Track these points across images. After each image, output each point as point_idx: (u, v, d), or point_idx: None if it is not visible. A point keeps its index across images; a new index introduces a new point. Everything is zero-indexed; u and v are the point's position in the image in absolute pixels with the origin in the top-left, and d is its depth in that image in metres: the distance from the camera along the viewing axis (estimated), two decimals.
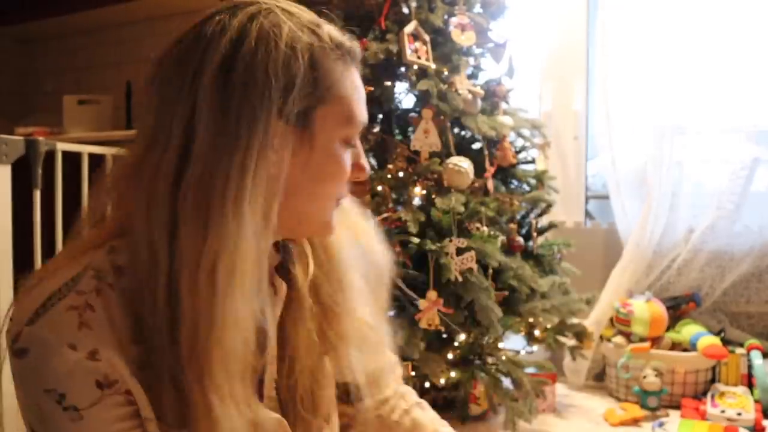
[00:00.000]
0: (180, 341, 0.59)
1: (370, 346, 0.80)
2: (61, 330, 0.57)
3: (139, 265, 0.60)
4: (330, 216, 0.71)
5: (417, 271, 1.76)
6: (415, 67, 1.83)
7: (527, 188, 2.11)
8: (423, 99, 1.87)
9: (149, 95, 0.64)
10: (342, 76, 0.67)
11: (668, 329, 2.21)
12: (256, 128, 0.60)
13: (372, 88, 1.83)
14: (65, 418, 0.57)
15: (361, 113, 0.70)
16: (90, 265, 0.61)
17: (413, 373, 1.78)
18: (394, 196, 1.81)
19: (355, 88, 0.69)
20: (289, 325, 0.74)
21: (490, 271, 1.82)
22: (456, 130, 2.03)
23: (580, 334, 2.07)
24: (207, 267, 0.58)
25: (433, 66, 1.83)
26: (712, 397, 1.99)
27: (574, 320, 2.06)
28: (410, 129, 1.87)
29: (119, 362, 0.58)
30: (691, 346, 2.12)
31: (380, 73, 1.85)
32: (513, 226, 1.94)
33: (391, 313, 1.85)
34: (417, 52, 1.81)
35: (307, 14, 0.69)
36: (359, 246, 0.82)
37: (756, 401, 1.94)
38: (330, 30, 0.69)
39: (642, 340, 2.15)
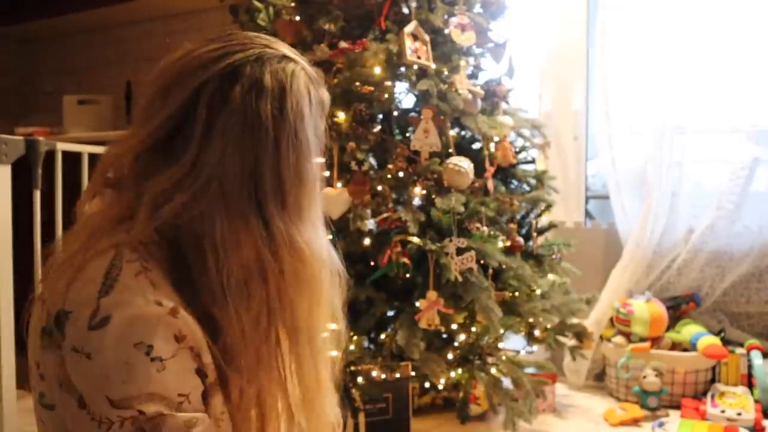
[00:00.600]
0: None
1: None
2: (143, 291, 0.64)
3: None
4: None
5: (417, 271, 1.76)
6: (415, 67, 1.83)
7: (527, 188, 2.11)
8: (423, 99, 1.87)
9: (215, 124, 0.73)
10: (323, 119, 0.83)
11: (668, 329, 2.21)
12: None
13: (372, 88, 1.83)
14: (153, 368, 0.63)
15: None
16: (119, 244, 0.68)
17: (413, 373, 1.78)
18: (394, 196, 1.82)
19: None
20: None
21: (490, 271, 1.82)
22: (456, 130, 2.03)
23: (580, 334, 2.07)
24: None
25: (433, 66, 1.83)
26: (712, 397, 1.99)
27: (574, 320, 2.06)
28: (410, 129, 1.87)
29: (189, 318, 0.66)
30: (691, 346, 2.12)
31: (380, 73, 1.85)
32: (513, 226, 1.94)
33: (391, 313, 1.86)
34: (417, 52, 1.81)
35: (309, 68, 0.80)
36: None
37: (756, 401, 1.94)
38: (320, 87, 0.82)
39: (642, 340, 2.15)
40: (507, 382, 1.88)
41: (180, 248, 0.70)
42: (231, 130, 0.71)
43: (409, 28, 1.81)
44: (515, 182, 2.10)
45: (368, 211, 1.75)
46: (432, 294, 1.70)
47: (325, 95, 0.83)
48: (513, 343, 2.12)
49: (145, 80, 0.77)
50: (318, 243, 0.77)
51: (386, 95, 1.85)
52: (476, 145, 2.06)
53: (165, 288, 0.66)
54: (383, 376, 1.73)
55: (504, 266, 1.82)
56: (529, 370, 2.03)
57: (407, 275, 1.72)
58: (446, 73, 1.89)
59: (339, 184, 1.78)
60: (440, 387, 1.91)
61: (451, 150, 1.87)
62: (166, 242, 0.70)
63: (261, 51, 0.75)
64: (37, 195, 1.60)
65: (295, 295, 0.73)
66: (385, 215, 1.76)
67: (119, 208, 0.72)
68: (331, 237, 0.83)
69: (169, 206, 0.69)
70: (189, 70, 0.73)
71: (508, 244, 1.89)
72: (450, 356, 1.85)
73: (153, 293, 0.65)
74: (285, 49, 0.78)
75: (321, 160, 0.80)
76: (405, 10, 1.91)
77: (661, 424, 1.90)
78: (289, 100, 0.74)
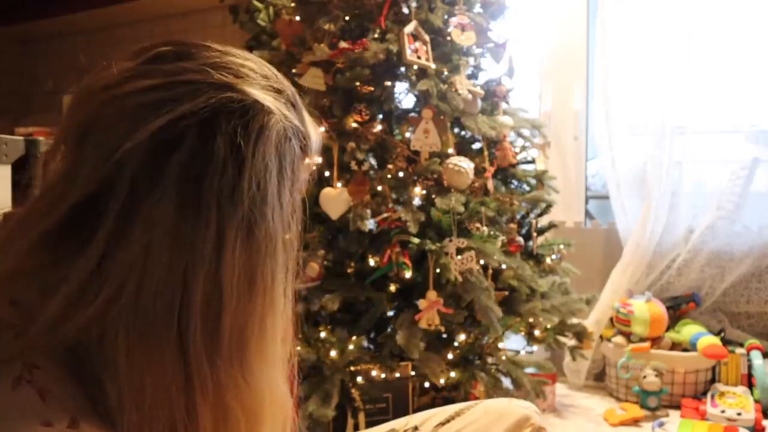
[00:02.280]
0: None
1: None
2: (24, 412, 0.45)
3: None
4: None
5: (417, 271, 1.76)
6: (415, 67, 1.83)
7: (527, 188, 2.11)
8: (423, 99, 1.87)
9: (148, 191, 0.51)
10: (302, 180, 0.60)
11: (668, 329, 2.21)
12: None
13: (372, 88, 1.83)
14: None
15: None
16: None
17: (413, 373, 1.78)
18: (394, 196, 1.81)
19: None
20: None
21: (490, 271, 1.82)
22: (456, 130, 2.03)
23: (580, 334, 2.07)
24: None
25: (433, 66, 1.83)
26: (712, 397, 1.99)
27: (574, 320, 2.06)
28: (410, 129, 1.87)
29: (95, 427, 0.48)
30: (691, 346, 2.11)
31: (380, 73, 1.85)
32: (513, 226, 1.94)
33: (390, 313, 1.86)
34: (417, 52, 1.81)
35: (291, 110, 0.59)
36: None
37: (756, 401, 1.94)
38: (314, 140, 0.62)
39: (642, 340, 2.15)
40: (507, 382, 1.88)
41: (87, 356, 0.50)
42: (159, 218, 0.49)
43: (409, 28, 1.81)
44: (515, 182, 2.10)
45: (368, 211, 1.75)
46: (432, 294, 1.70)
47: (313, 138, 0.61)
48: (513, 343, 2.12)
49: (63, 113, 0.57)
50: (268, 395, 0.55)
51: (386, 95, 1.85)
52: (476, 145, 2.06)
53: (60, 392, 0.47)
54: (383, 376, 1.73)
55: (504, 266, 1.82)
56: (529, 370, 2.03)
57: (407, 276, 1.71)
58: (446, 73, 1.89)
59: (339, 184, 1.78)
60: (440, 387, 1.91)
61: (451, 150, 1.87)
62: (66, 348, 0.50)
63: (219, 98, 0.52)
64: None
65: None
66: (385, 215, 1.76)
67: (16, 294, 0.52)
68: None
69: (71, 324, 0.48)
70: (112, 117, 0.51)
71: (508, 244, 1.89)
72: (450, 356, 1.85)
73: (40, 410, 0.45)
74: (259, 82, 0.56)
75: (293, 244, 0.57)
76: (405, 10, 1.91)
77: (661, 424, 1.90)
78: (246, 175, 0.51)
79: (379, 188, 1.80)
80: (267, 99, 0.55)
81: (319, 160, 0.63)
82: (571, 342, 2.08)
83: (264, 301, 0.53)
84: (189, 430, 0.50)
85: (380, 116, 1.96)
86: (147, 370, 0.48)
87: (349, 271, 1.87)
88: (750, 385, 2.03)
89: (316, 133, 0.62)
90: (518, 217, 2.03)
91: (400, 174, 1.82)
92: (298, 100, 0.60)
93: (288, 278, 0.57)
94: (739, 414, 1.87)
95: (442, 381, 1.80)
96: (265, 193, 0.52)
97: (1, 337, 0.48)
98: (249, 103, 0.53)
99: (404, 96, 2.04)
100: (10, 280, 0.51)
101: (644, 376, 2.03)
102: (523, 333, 2.04)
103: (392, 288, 1.79)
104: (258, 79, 0.56)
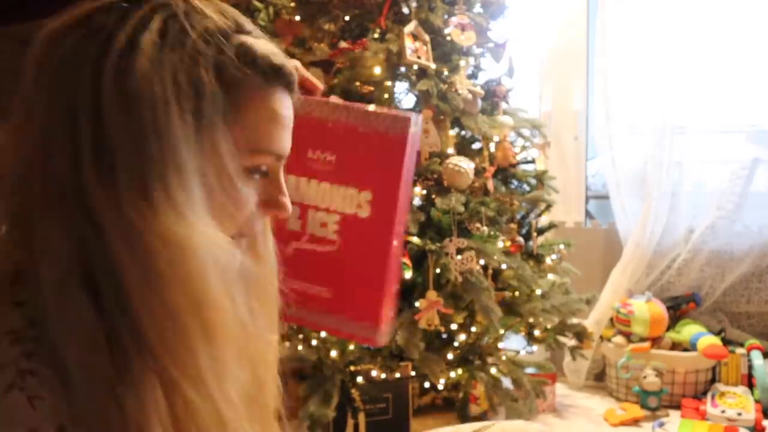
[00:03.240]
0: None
1: None
2: (11, 419, 0.46)
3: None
4: None
5: (417, 272, 1.76)
6: (415, 67, 1.83)
7: (527, 188, 2.11)
8: (423, 99, 1.87)
9: (36, 84, 0.57)
10: (253, 97, 0.57)
11: (668, 329, 2.21)
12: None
13: (372, 88, 1.83)
14: None
15: (276, 143, 0.59)
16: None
17: (413, 373, 1.78)
18: None
19: (270, 112, 0.58)
20: None
21: (490, 271, 1.82)
22: (456, 130, 2.03)
23: (580, 334, 2.07)
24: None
25: (433, 66, 1.83)
26: (712, 397, 1.99)
27: (574, 320, 2.06)
28: None
29: None
30: (691, 346, 2.11)
31: (380, 73, 1.85)
32: (513, 226, 1.94)
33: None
34: (417, 52, 1.81)
35: (221, 17, 0.57)
36: None
37: (756, 401, 1.94)
38: (248, 41, 0.57)
39: (642, 340, 2.14)
40: (507, 382, 1.88)
41: None
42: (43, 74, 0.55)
43: (409, 28, 1.81)
44: (515, 182, 2.10)
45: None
46: (432, 294, 1.70)
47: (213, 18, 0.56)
48: (513, 343, 2.12)
49: None
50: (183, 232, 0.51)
51: (386, 95, 1.85)
52: (476, 145, 2.06)
53: (51, 399, 0.47)
54: (383, 376, 1.73)
55: (504, 266, 1.82)
56: (529, 370, 2.03)
57: (407, 276, 1.71)
58: (446, 73, 1.89)
59: None
60: (440, 387, 1.91)
61: (451, 150, 1.87)
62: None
63: None
64: None
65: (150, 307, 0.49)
66: None
67: None
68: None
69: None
70: None
71: (508, 244, 1.89)
72: (450, 356, 1.85)
73: (28, 418, 0.46)
74: None
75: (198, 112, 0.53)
76: (405, 10, 1.91)
77: (661, 424, 1.90)
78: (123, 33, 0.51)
79: None
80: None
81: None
82: (571, 342, 2.09)
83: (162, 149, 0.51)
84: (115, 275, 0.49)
85: None
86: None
87: None
88: (750, 385, 2.03)
89: (276, 57, 0.60)
90: (518, 217, 2.03)
91: None
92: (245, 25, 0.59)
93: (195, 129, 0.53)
94: (739, 414, 1.87)
95: (442, 381, 1.80)
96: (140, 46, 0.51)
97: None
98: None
99: (404, 96, 2.04)
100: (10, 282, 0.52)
101: (644, 376, 2.03)
102: (523, 333, 2.04)
103: None
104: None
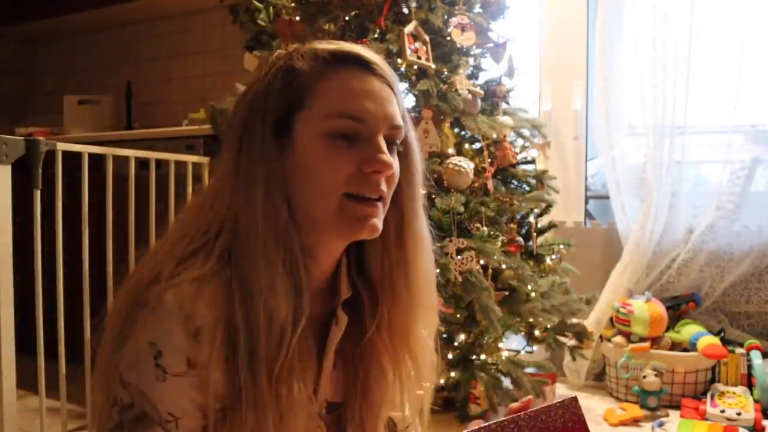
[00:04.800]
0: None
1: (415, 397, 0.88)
2: (182, 299, 0.65)
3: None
4: (340, 216, 0.72)
5: None
6: (415, 67, 1.83)
7: (527, 188, 2.11)
8: (423, 99, 1.87)
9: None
10: (320, 80, 0.72)
11: (668, 329, 2.21)
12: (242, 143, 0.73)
13: None
14: (153, 372, 0.64)
15: (357, 109, 0.72)
16: (213, 252, 0.69)
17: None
18: None
19: (341, 87, 0.72)
20: (358, 359, 0.81)
21: (490, 271, 1.82)
22: (456, 130, 2.03)
23: (580, 334, 2.07)
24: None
25: (433, 66, 1.83)
26: (712, 397, 1.99)
27: (574, 320, 2.06)
28: None
29: (212, 348, 0.65)
30: (691, 346, 2.12)
31: None
32: (513, 226, 1.94)
33: None
34: (417, 52, 1.81)
35: (301, 46, 0.76)
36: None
37: (756, 401, 1.94)
38: (307, 47, 0.75)
39: (642, 340, 2.15)
40: (507, 382, 1.88)
41: None
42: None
43: (409, 28, 1.81)
44: (515, 182, 2.10)
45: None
46: None
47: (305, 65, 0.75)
48: (513, 343, 2.12)
49: None
50: None
51: None
52: (476, 145, 2.06)
53: (208, 310, 0.66)
54: None
55: (504, 266, 1.82)
56: (529, 370, 2.03)
57: None
58: (446, 73, 1.89)
59: None
60: (440, 387, 1.91)
61: (451, 150, 1.87)
62: None
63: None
64: (37, 195, 1.60)
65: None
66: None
67: None
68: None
69: None
70: None
71: (508, 244, 1.89)
72: (450, 356, 1.85)
73: (190, 307, 0.65)
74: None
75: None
76: (405, 10, 1.91)
77: (660, 424, 1.90)
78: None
79: None
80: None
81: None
82: (571, 342, 2.09)
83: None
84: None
85: None
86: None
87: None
88: (750, 385, 2.03)
89: (346, 45, 0.75)
90: (518, 217, 2.03)
91: None
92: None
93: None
94: (738, 414, 1.87)
95: (442, 381, 1.80)
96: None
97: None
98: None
99: (404, 96, 2.04)
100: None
101: (644, 376, 2.04)
102: (523, 333, 2.04)
103: None
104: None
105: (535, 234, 2.04)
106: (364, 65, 0.74)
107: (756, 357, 2.04)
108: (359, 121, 0.72)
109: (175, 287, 0.65)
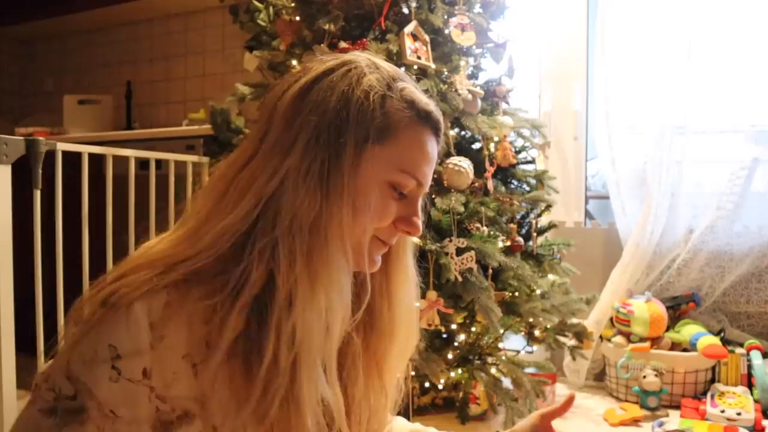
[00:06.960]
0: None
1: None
2: (151, 305, 0.64)
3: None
4: (363, 250, 0.74)
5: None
6: (415, 67, 1.83)
7: (527, 188, 2.11)
8: None
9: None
10: (407, 128, 0.73)
11: (668, 329, 2.21)
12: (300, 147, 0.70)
13: None
14: (107, 373, 0.64)
15: (421, 173, 0.75)
16: (181, 266, 0.68)
17: (413, 373, 1.78)
18: None
19: (419, 146, 0.74)
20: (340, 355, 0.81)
21: (490, 271, 1.82)
22: (456, 130, 2.03)
23: (580, 334, 2.07)
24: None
25: (433, 66, 1.83)
26: (712, 397, 1.99)
27: (574, 320, 2.06)
28: None
29: (174, 359, 0.65)
30: (691, 346, 2.12)
31: None
32: (513, 226, 1.94)
33: None
34: (417, 52, 1.81)
35: (391, 69, 0.76)
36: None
37: (756, 401, 1.94)
38: (409, 87, 0.75)
39: (642, 340, 2.15)
40: (507, 382, 1.88)
41: None
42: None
43: (409, 28, 1.81)
44: (515, 182, 2.10)
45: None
46: (432, 294, 1.70)
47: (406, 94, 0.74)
48: (513, 343, 2.12)
49: None
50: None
51: None
52: (476, 145, 2.06)
53: (177, 318, 0.65)
54: None
55: (504, 266, 1.82)
56: (529, 370, 2.03)
57: None
58: (446, 73, 1.89)
59: None
60: (440, 387, 1.91)
61: (451, 150, 1.87)
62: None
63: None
64: (37, 195, 1.60)
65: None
66: None
67: None
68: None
69: None
70: None
71: (508, 244, 1.89)
72: (450, 356, 1.85)
73: (157, 315, 0.65)
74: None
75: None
76: (405, 10, 1.91)
77: (661, 424, 1.90)
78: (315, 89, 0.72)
79: None
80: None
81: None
82: (571, 342, 2.09)
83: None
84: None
85: None
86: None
87: None
88: (750, 385, 2.03)
89: (428, 105, 0.76)
90: (518, 217, 2.03)
91: None
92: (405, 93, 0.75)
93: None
94: (738, 414, 1.87)
95: (442, 381, 1.80)
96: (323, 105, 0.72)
97: None
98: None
99: None
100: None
101: (644, 376, 2.04)
102: (523, 333, 2.04)
103: None
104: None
105: (535, 234, 2.04)
106: (436, 131, 0.77)
107: (756, 357, 2.04)
108: (419, 185, 0.75)
109: (148, 297, 0.65)
